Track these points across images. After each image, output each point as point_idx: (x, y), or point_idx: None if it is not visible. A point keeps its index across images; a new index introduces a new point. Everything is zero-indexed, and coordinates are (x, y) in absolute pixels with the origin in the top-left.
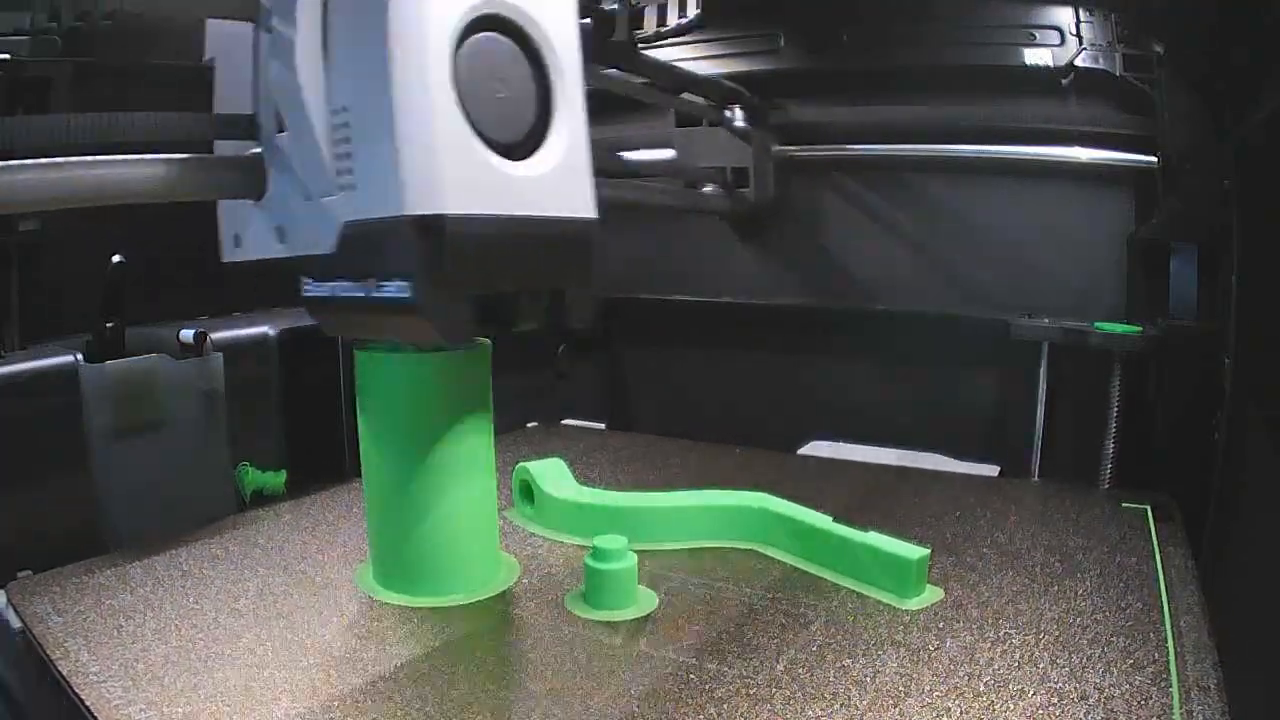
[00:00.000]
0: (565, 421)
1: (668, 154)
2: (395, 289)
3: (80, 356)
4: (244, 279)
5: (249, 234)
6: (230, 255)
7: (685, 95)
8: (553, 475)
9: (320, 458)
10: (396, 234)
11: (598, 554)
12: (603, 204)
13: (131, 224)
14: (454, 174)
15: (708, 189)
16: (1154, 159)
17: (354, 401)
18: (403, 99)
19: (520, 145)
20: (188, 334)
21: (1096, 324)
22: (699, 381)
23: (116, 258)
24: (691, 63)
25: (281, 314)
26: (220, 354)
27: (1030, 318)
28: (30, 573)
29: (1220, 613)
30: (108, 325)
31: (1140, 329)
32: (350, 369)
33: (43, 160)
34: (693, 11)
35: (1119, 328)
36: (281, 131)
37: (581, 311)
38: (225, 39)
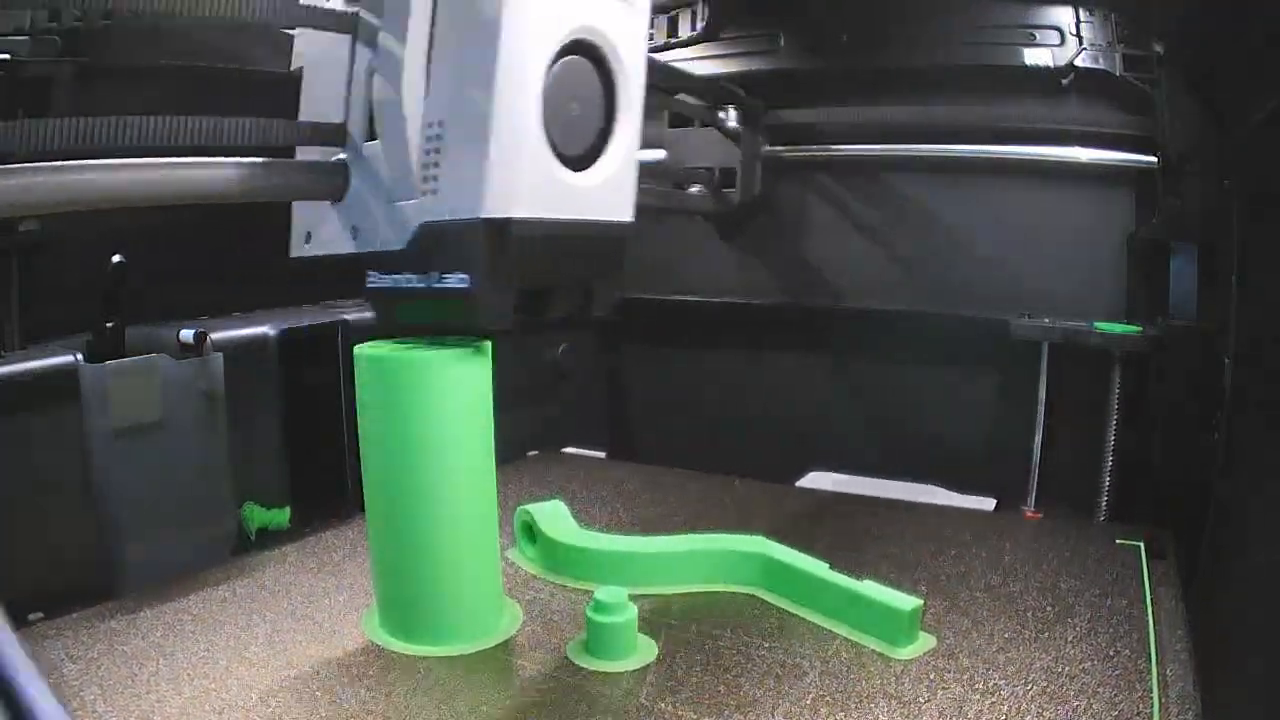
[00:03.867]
0: (565, 449)
1: (658, 154)
2: (455, 280)
3: (80, 356)
4: (245, 279)
5: (322, 232)
6: (299, 251)
7: (680, 96)
8: (554, 518)
9: (321, 459)
10: (467, 233)
11: (599, 607)
12: None
13: (131, 224)
14: (528, 183)
15: (694, 189)
16: (1154, 159)
17: (354, 401)
18: (500, 117)
19: (582, 158)
20: (188, 334)
21: (1096, 324)
22: (699, 379)
23: (116, 258)
24: (691, 63)
25: (281, 314)
26: (220, 354)
27: (1030, 318)
28: (42, 615)
29: (1218, 619)
30: (108, 325)
31: (1140, 329)
32: (351, 368)
33: (131, 161)
34: (700, 23)
35: (1119, 328)
36: (371, 140)
37: (605, 301)
38: (315, 50)
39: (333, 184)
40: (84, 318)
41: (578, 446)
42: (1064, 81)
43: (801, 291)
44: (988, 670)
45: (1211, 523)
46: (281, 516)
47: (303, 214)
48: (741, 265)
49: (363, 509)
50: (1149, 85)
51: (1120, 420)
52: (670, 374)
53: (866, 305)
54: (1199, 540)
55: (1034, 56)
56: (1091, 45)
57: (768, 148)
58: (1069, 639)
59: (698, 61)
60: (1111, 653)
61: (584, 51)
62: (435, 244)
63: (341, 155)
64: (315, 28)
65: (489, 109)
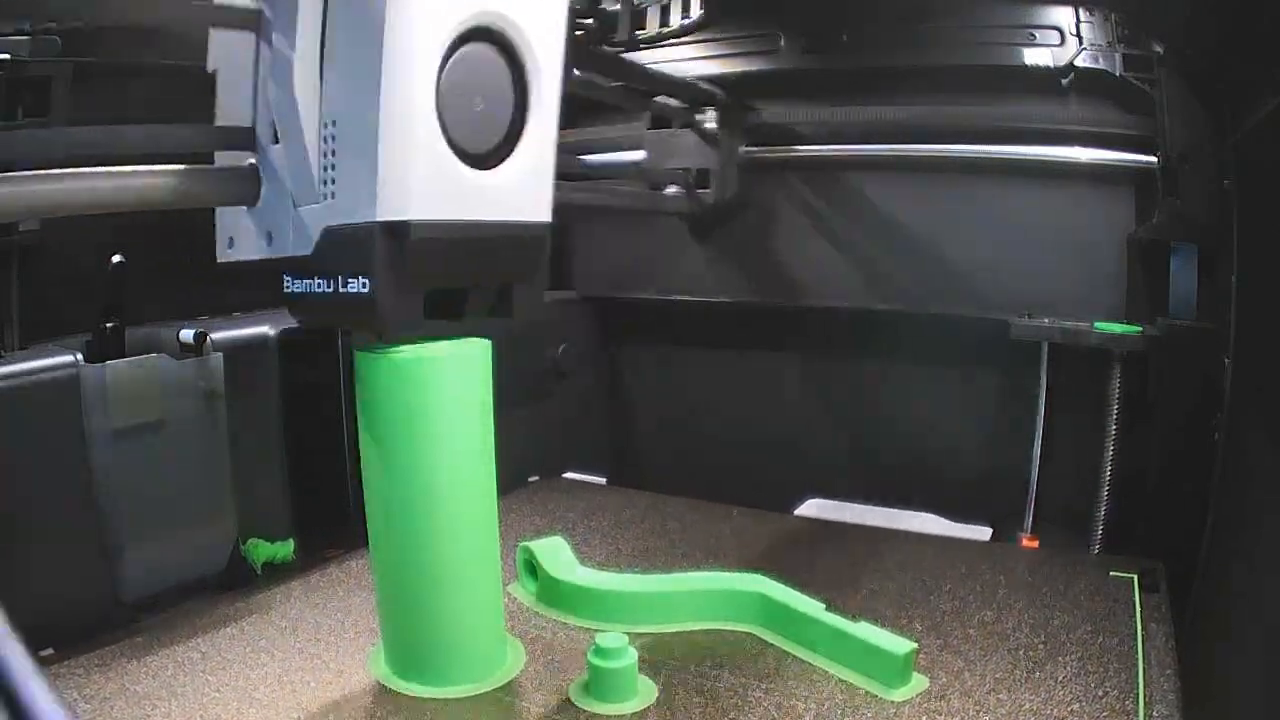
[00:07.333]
0: (566, 475)
1: (640, 155)
2: (357, 285)
3: (80, 356)
4: (244, 279)
5: (241, 237)
6: (223, 256)
7: (660, 98)
8: (555, 554)
9: (323, 474)
10: (365, 237)
11: (599, 652)
12: (564, 208)
13: (132, 224)
14: (424, 184)
15: (670, 190)
16: (1154, 159)
17: (354, 404)
18: (386, 114)
19: (490, 155)
20: (188, 334)
21: (1097, 324)
22: (698, 381)
23: (116, 258)
24: (689, 63)
25: (281, 314)
26: (220, 354)
27: (1030, 318)
28: (52, 651)
29: (1213, 632)
30: (108, 325)
31: (1140, 329)
32: (350, 369)
33: (50, 171)
34: (695, 11)
35: (1119, 328)
36: (276, 143)
37: (529, 304)
38: (228, 51)
39: (243, 189)
40: (84, 318)
41: (579, 461)
42: (1064, 81)
43: (800, 294)
44: (978, 712)
45: (1210, 528)
46: (285, 550)
47: (225, 219)
48: (741, 267)
49: (365, 538)
50: (1149, 85)
51: (1120, 426)
52: (670, 375)
53: (866, 306)
54: (1197, 547)
55: (1034, 56)
56: (1091, 45)
57: (745, 149)
58: (1059, 679)
59: (702, 60)
60: (1100, 693)
61: (489, 39)
62: (338, 248)
63: (252, 159)
64: (220, 27)
65: (376, 106)
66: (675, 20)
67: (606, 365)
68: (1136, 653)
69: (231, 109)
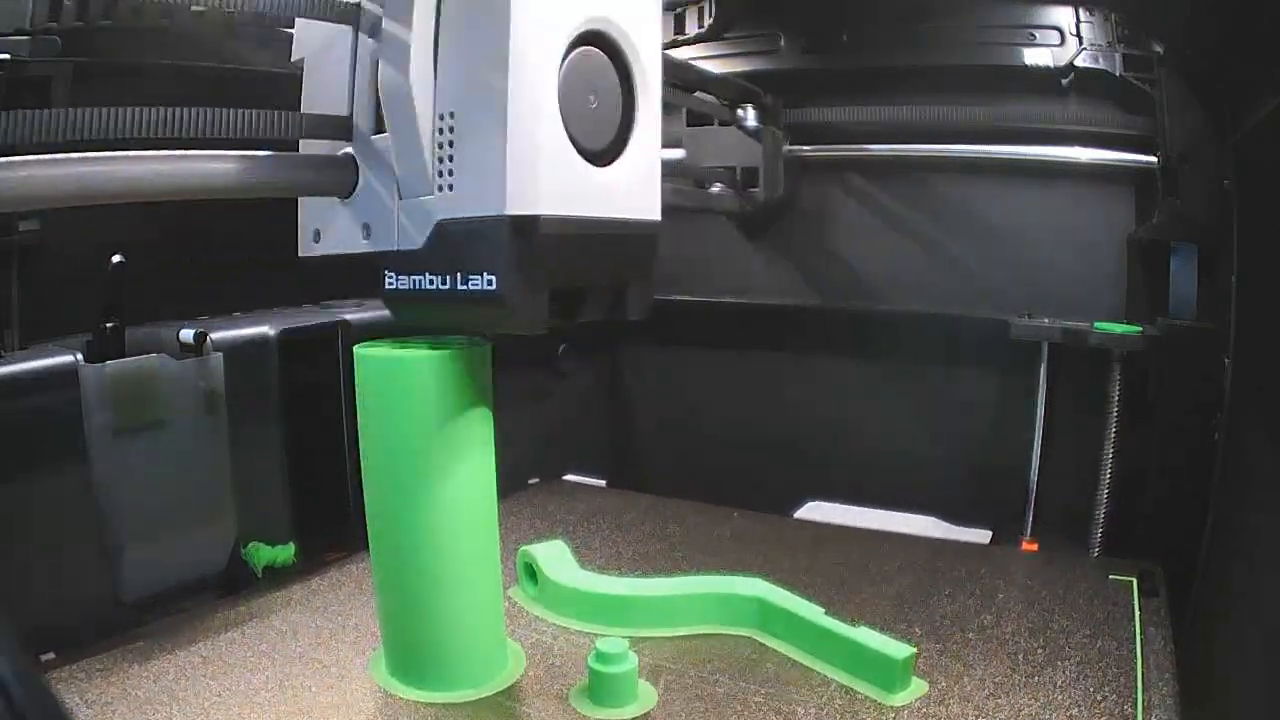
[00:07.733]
0: (566, 477)
1: (678, 153)
2: (483, 282)
3: (80, 356)
4: (245, 279)
5: (331, 230)
6: (308, 250)
7: (698, 94)
8: (555, 559)
9: (323, 475)
10: (491, 232)
11: (600, 657)
12: None
13: (131, 223)
14: (550, 179)
15: (716, 189)
16: (1154, 159)
17: (354, 405)
18: (515, 108)
19: (604, 153)
20: (188, 334)
21: (1096, 324)
22: (698, 382)
23: (116, 258)
24: (698, 62)
25: (281, 314)
26: (220, 354)
27: (1030, 318)
28: (53, 655)
29: (1212, 638)
30: (108, 325)
31: (1140, 329)
32: (351, 369)
33: (127, 153)
34: (707, 20)
35: (1119, 328)
36: (379, 133)
37: (640, 304)
38: (316, 40)
39: (340, 179)
40: (84, 318)
41: (578, 462)
42: (1064, 81)
43: (800, 293)
44: (977, 717)
45: (1210, 528)
46: (286, 553)
47: (311, 211)
48: (754, 265)
49: (366, 540)
50: (1149, 85)
51: (1120, 426)
52: (670, 375)
53: (864, 306)
54: (1197, 548)
55: (1034, 56)
56: (1091, 45)
57: (788, 147)
58: (1058, 683)
59: (704, 61)
60: (1099, 698)
61: (598, 43)
62: (456, 243)
63: (348, 149)
64: (314, 19)
65: (504, 99)
66: (691, 29)
67: (606, 365)
68: (1135, 657)
69: (322, 98)
